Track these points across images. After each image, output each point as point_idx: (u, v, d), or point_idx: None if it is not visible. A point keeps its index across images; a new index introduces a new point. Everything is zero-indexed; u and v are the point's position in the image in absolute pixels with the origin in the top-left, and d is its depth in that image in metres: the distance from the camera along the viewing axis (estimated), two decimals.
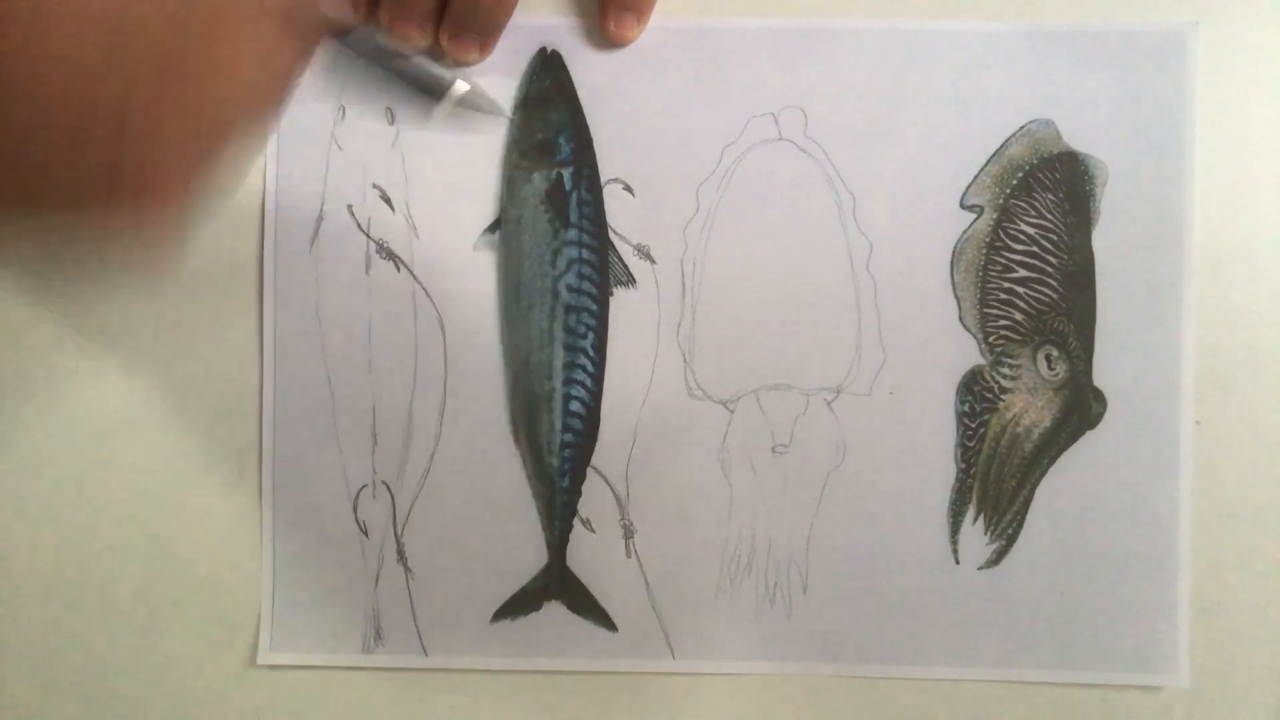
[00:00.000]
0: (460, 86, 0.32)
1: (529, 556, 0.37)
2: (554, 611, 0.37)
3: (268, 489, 0.37)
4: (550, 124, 0.36)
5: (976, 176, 0.37)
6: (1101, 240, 0.36)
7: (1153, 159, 0.36)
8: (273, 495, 0.37)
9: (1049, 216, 0.37)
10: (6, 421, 0.37)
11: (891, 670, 0.36)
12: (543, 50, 0.37)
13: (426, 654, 0.37)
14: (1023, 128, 0.36)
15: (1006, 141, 0.36)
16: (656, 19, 0.36)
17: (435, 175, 0.37)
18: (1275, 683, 0.36)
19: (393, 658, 0.37)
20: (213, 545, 0.37)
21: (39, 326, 0.37)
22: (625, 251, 0.37)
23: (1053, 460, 0.36)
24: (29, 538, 0.37)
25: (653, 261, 0.37)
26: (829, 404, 0.37)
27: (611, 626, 0.37)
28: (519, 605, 0.37)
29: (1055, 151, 0.36)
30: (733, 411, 0.37)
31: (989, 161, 0.37)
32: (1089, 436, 0.36)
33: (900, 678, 0.37)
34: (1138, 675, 0.36)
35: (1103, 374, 0.36)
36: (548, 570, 0.37)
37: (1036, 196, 0.37)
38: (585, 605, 0.37)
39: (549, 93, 0.36)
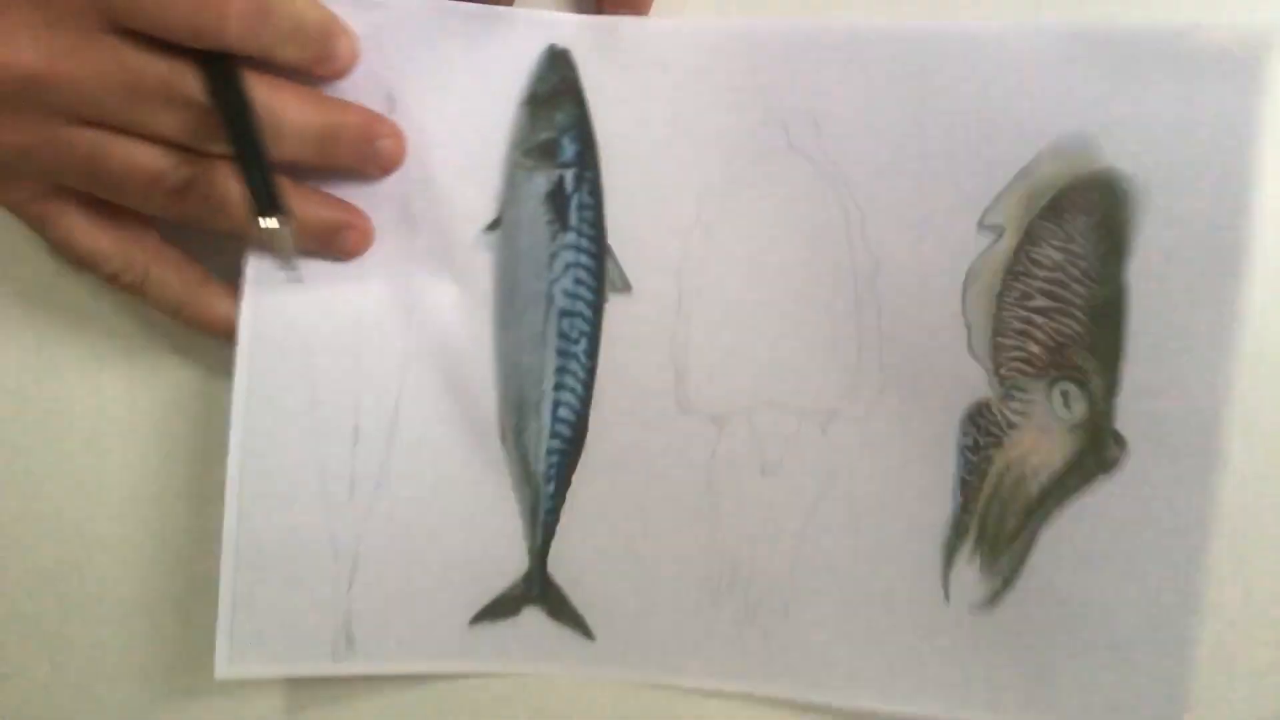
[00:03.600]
0: (277, 221, 0.30)
1: (510, 562, 0.37)
2: (533, 618, 0.37)
3: (233, 485, 0.35)
4: (555, 124, 0.36)
5: (1000, 195, 0.34)
6: (1138, 271, 0.33)
7: (1208, 186, 0.33)
8: (239, 496, 0.35)
9: (1079, 242, 0.34)
10: (6, 421, 0.38)
11: (871, 703, 0.35)
12: (551, 47, 0.36)
13: (402, 660, 0.36)
14: (1056, 143, 0.34)
15: (1037, 157, 0.34)
16: (666, 20, 0.35)
17: (435, 168, 0.36)
18: (1276, 684, 0.35)
19: (366, 664, 0.36)
20: (213, 543, 0.36)
21: (39, 326, 0.37)
22: (623, 258, 0.36)
23: (1060, 504, 0.34)
24: (28, 538, 0.38)
25: (651, 270, 0.36)
26: (823, 427, 0.35)
27: (590, 635, 0.36)
28: (498, 610, 0.37)
29: (1092, 171, 0.34)
30: (723, 428, 0.36)
31: (1015, 179, 0.34)
32: (1105, 482, 0.34)
33: (880, 711, 0.35)
34: None
35: (1128, 417, 0.34)
36: (528, 577, 0.36)
37: (1066, 219, 0.34)
38: (565, 613, 0.36)
39: (556, 91, 0.36)
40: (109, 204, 0.34)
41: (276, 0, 0.30)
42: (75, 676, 0.38)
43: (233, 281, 0.36)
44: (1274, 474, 0.34)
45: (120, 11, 0.29)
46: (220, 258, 0.36)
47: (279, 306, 0.36)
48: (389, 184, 0.36)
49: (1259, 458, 0.34)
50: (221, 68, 0.30)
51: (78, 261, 0.34)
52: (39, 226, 0.34)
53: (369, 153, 0.34)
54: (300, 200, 0.33)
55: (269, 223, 0.30)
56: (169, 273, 0.35)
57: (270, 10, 0.30)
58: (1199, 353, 0.33)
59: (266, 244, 0.30)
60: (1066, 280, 0.34)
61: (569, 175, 0.36)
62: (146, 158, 0.31)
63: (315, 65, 0.33)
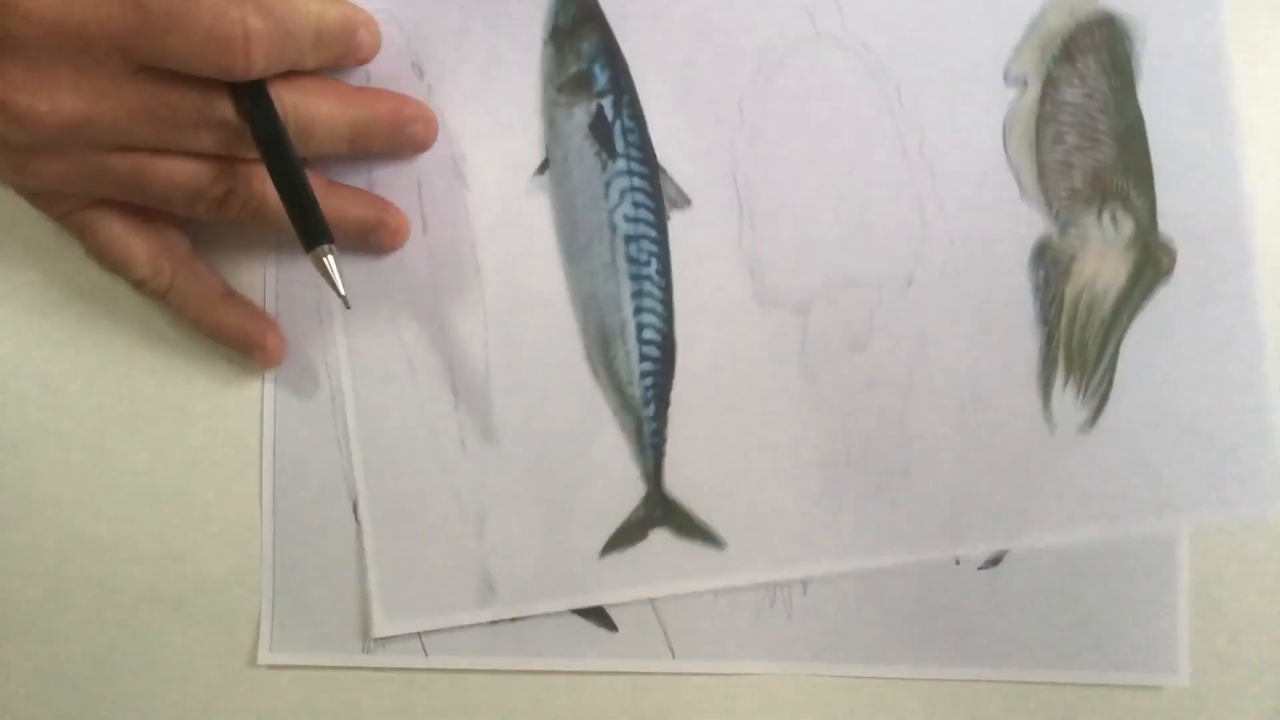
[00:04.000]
0: (320, 252, 0.31)
1: (627, 489, 0.37)
2: (661, 540, 0.36)
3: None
4: (583, 54, 0.36)
5: (1017, 48, 0.36)
6: (1146, 94, 0.36)
7: (1190, 12, 0.36)
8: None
9: (1092, 80, 0.36)
10: (7, 421, 0.37)
11: (1000, 546, 0.37)
12: None
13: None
14: None
15: (1043, 8, 0.36)
16: None
17: (475, 124, 0.36)
18: (1275, 682, 0.36)
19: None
20: (213, 542, 0.37)
21: (39, 327, 0.37)
22: (676, 173, 0.37)
23: (1132, 317, 0.36)
24: (29, 537, 0.37)
25: (706, 179, 0.36)
26: (902, 293, 0.36)
27: (720, 545, 0.37)
28: (625, 538, 0.37)
29: (1091, 12, 0.36)
30: (807, 316, 0.36)
31: (1028, 32, 0.36)
32: (1164, 289, 0.36)
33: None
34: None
35: (1171, 226, 0.36)
36: (648, 500, 0.37)
37: (1078, 62, 0.36)
38: (691, 528, 0.37)
39: (578, 20, 0.36)
40: (145, 212, 0.34)
41: (295, 19, 0.31)
42: (130, 660, 0.37)
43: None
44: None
45: (146, 56, 0.29)
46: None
47: (364, 288, 0.36)
48: (435, 148, 0.36)
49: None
50: (251, 95, 0.31)
51: (111, 267, 0.34)
52: (78, 234, 0.34)
53: (401, 140, 0.35)
54: (334, 199, 0.33)
55: (315, 253, 0.31)
56: (193, 283, 0.35)
57: (291, 33, 0.31)
58: (1212, 156, 0.36)
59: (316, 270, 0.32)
60: (1090, 117, 0.36)
61: (607, 104, 0.36)
62: (186, 175, 0.32)
63: (341, 62, 0.34)
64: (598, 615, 0.37)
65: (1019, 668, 0.36)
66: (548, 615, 0.36)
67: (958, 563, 0.36)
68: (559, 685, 0.37)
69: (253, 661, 0.37)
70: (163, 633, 0.37)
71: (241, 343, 0.36)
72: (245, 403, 0.37)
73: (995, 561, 0.36)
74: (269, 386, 0.37)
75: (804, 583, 0.37)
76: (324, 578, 0.36)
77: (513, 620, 0.36)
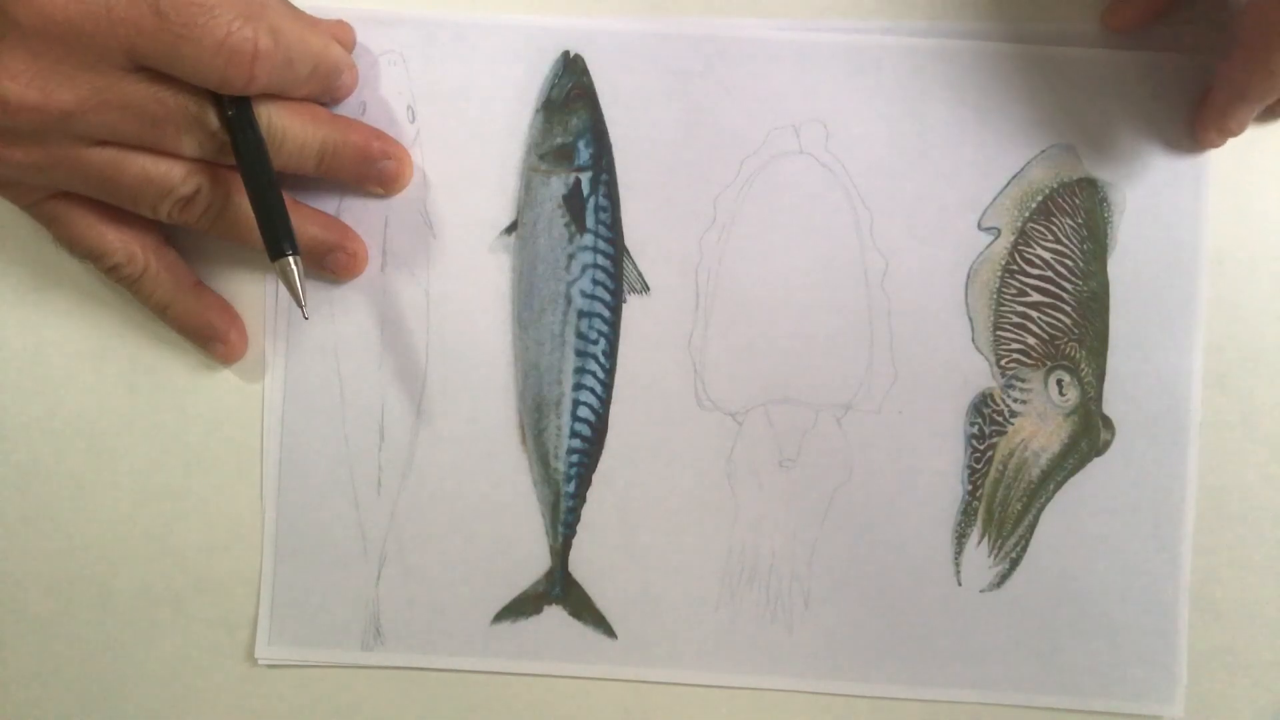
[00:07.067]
0: (285, 263, 0.32)
1: (532, 560, 0.37)
2: (555, 616, 0.37)
3: (270, 484, 0.37)
4: (570, 128, 0.36)
5: (995, 198, 0.36)
6: (1117, 268, 0.36)
7: (1170, 188, 0.36)
8: (276, 491, 0.37)
9: (1066, 242, 0.37)
10: (7, 421, 0.37)
11: (889, 690, 0.36)
12: (565, 53, 0.36)
13: (426, 654, 0.37)
14: (1043, 151, 0.36)
15: (1027, 164, 0.36)
16: (678, 23, 0.36)
17: (454, 175, 0.37)
18: (1269, 716, 0.37)
19: (392, 656, 0.37)
20: (212, 542, 0.37)
21: (39, 327, 0.37)
22: (641, 258, 0.37)
23: (1059, 486, 0.36)
24: (29, 537, 0.37)
25: (668, 270, 0.37)
26: (838, 420, 0.36)
27: (611, 634, 0.37)
28: (520, 608, 0.37)
29: (1075, 177, 0.36)
30: (741, 424, 0.37)
31: (1009, 184, 0.36)
32: (1096, 463, 0.36)
33: (898, 697, 0.36)
34: (1134, 704, 0.36)
35: (1113, 401, 0.36)
36: (550, 575, 0.37)
37: (1054, 221, 0.37)
38: (586, 612, 0.37)
39: (570, 96, 0.36)
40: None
41: (298, 50, 0.32)
42: (130, 658, 0.37)
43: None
44: (1276, 475, 0.37)
45: (153, 59, 0.30)
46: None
47: (309, 314, 0.36)
48: (409, 190, 0.36)
49: (1261, 459, 0.37)
50: (235, 105, 0.32)
51: (83, 255, 0.35)
52: (47, 223, 0.34)
53: (369, 172, 0.35)
54: (294, 215, 0.34)
55: (280, 263, 0.32)
56: (165, 270, 0.35)
57: (291, 61, 0.32)
58: (1169, 338, 0.36)
59: (279, 279, 0.33)
60: (1056, 276, 0.37)
61: (585, 178, 0.36)
62: (159, 170, 0.32)
63: (319, 98, 0.35)
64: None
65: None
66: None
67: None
68: (558, 689, 0.37)
69: (251, 659, 0.37)
70: (161, 630, 0.37)
71: (206, 334, 0.36)
72: (245, 403, 0.37)
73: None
74: (269, 386, 0.37)
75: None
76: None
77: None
